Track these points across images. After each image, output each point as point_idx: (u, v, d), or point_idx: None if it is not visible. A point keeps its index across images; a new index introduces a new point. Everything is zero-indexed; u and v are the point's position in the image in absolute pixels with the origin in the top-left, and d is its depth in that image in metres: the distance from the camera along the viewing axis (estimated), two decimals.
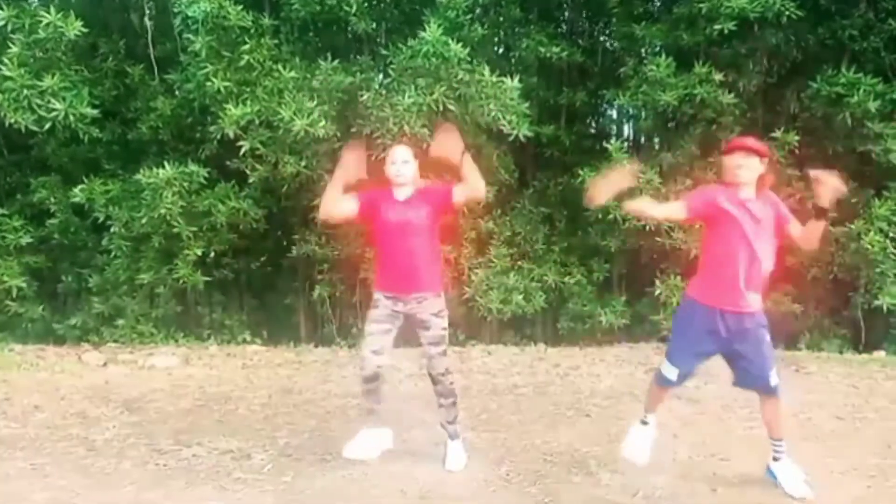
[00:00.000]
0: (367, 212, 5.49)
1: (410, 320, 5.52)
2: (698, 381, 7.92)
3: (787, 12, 9.04)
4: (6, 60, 8.81)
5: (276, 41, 9.65)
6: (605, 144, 10.06)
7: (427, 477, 5.53)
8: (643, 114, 10.75)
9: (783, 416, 5.37)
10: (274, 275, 11.12)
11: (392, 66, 9.40)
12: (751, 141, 5.06)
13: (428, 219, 5.44)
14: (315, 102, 9.00)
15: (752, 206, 4.97)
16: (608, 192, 4.96)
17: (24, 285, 10.22)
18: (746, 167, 4.96)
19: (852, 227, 9.48)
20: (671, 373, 5.21)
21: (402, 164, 5.45)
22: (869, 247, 9.20)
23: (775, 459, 5.34)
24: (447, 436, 5.77)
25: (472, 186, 5.40)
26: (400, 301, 5.44)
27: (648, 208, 5.38)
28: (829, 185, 4.79)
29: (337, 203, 5.48)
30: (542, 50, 9.93)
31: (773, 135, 9.82)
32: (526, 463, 5.76)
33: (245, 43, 9.23)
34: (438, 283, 5.57)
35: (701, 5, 9.09)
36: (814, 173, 4.86)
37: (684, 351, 5.22)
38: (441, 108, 8.86)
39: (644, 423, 5.48)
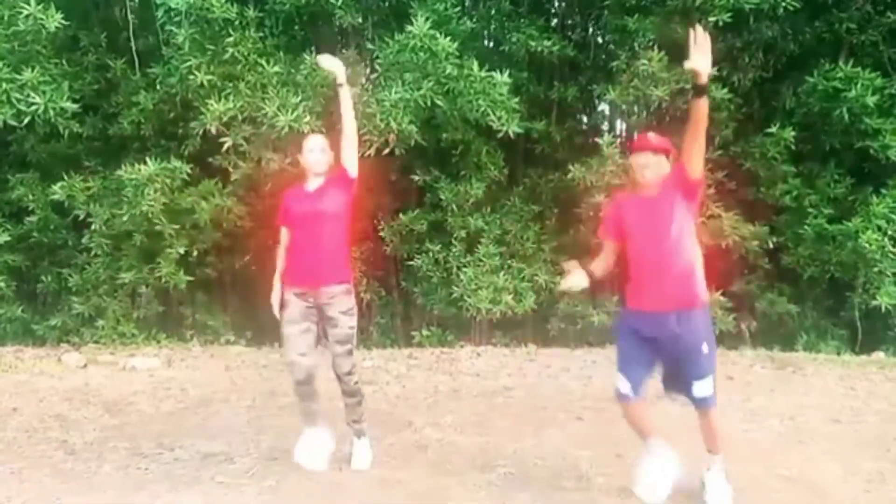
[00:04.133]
0: (283, 216, 5.53)
1: (321, 315, 5.44)
2: None
3: (783, 4, 8.94)
4: None
5: (260, 34, 9.51)
6: (596, 140, 9.98)
7: (414, 480, 5.44)
8: (635, 109, 10.62)
9: (718, 429, 5.07)
10: (258, 274, 10.97)
11: (379, 60, 9.32)
12: (656, 139, 4.85)
13: (336, 204, 5.37)
14: (299, 98, 8.92)
15: (655, 203, 4.77)
16: (577, 284, 4.89)
17: (2, 285, 10.11)
18: (654, 167, 4.77)
19: (849, 224, 9.35)
20: (622, 384, 4.96)
21: (319, 152, 5.42)
22: (866, 245, 9.06)
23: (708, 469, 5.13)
24: (352, 434, 5.73)
25: (344, 128, 5.41)
26: (310, 296, 5.37)
27: (588, 276, 5.01)
28: (703, 48, 4.48)
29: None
30: (533, 44, 9.76)
31: (769, 130, 9.76)
32: (516, 466, 5.65)
33: (229, 35, 9.12)
34: (347, 275, 5.53)
35: None
36: (694, 38, 4.50)
37: (624, 359, 5.00)
38: (429, 103, 8.73)
39: (650, 454, 5.06)
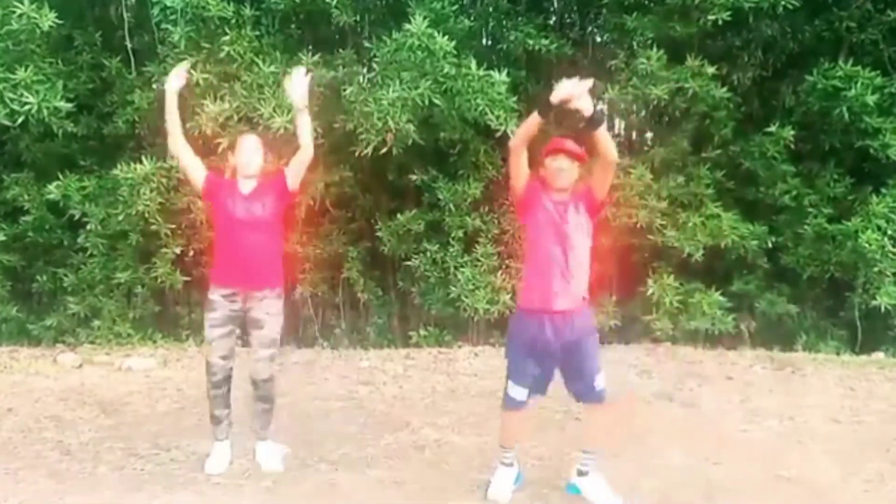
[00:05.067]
0: (210, 195, 5.45)
1: (245, 318, 5.45)
2: (692, 384, 7.83)
3: (783, 3, 8.85)
4: None
5: (257, 33, 9.44)
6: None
7: (412, 480, 5.48)
8: (634, 108, 10.58)
9: (607, 426, 5.23)
10: None
11: (376, 59, 9.25)
12: (572, 145, 4.90)
13: (271, 211, 5.39)
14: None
15: (567, 209, 4.91)
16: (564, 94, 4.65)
17: None
18: (568, 171, 4.88)
19: (849, 224, 9.29)
20: (517, 392, 5.05)
21: (252, 153, 5.40)
22: (866, 245, 8.98)
23: (581, 474, 5.25)
24: (257, 439, 5.78)
25: (301, 148, 5.39)
26: (238, 299, 5.37)
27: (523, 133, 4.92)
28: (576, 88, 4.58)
29: (181, 143, 5.49)
30: (531, 42, 9.71)
31: (769, 129, 9.69)
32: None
33: (225, 34, 9.05)
34: (279, 280, 5.53)
35: None
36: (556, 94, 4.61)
37: (519, 368, 5.08)
38: (427, 102, 8.68)
39: (507, 464, 5.29)
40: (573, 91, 4.53)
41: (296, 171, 5.39)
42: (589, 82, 4.59)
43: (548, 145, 4.97)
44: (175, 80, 5.35)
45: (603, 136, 4.72)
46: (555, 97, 4.56)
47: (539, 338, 4.92)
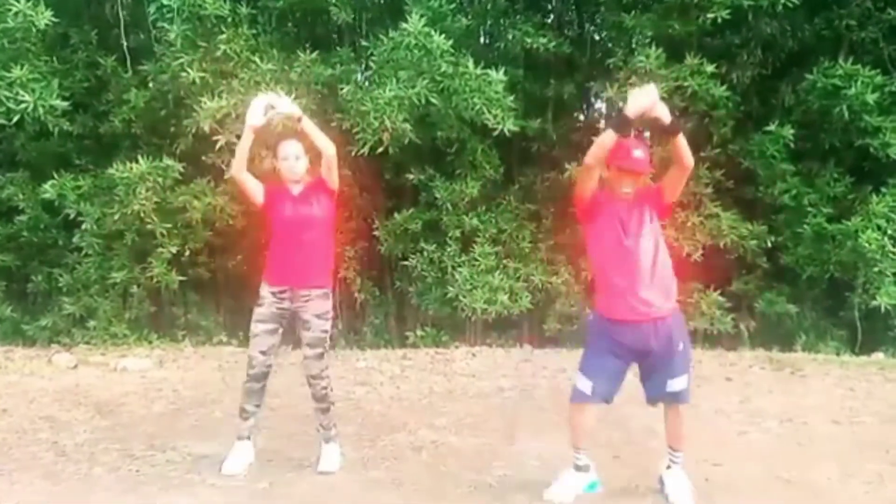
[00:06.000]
0: (269, 205, 5.51)
1: (295, 318, 5.52)
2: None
3: (782, 1, 8.83)
4: None
5: (253, 31, 9.45)
6: (593, 139, 9.89)
7: (409, 482, 5.40)
8: None
9: (685, 426, 5.11)
10: (250, 274, 10.92)
11: (373, 58, 9.23)
12: (636, 161, 4.67)
13: (323, 210, 5.48)
14: (293, 96, 8.81)
15: (632, 212, 4.74)
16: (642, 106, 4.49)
17: None
18: (632, 184, 4.74)
19: (849, 224, 9.26)
20: (583, 383, 4.88)
21: (294, 160, 5.42)
22: (866, 245, 8.96)
23: (668, 467, 5.15)
24: (321, 438, 5.71)
25: (322, 153, 5.37)
26: (286, 298, 5.45)
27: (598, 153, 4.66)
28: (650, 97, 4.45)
29: (244, 170, 5.46)
30: (529, 41, 9.70)
31: (768, 128, 9.66)
32: (513, 468, 5.61)
33: (222, 32, 9.06)
34: (327, 280, 5.57)
35: None
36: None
37: (591, 363, 4.92)
38: (424, 101, 8.66)
39: (578, 468, 5.10)
40: (649, 100, 4.41)
41: (329, 174, 5.43)
42: (653, 87, 4.49)
43: (612, 154, 4.67)
44: (256, 117, 5.29)
45: (681, 142, 4.54)
46: (631, 110, 4.43)
47: (615, 339, 4.81)
